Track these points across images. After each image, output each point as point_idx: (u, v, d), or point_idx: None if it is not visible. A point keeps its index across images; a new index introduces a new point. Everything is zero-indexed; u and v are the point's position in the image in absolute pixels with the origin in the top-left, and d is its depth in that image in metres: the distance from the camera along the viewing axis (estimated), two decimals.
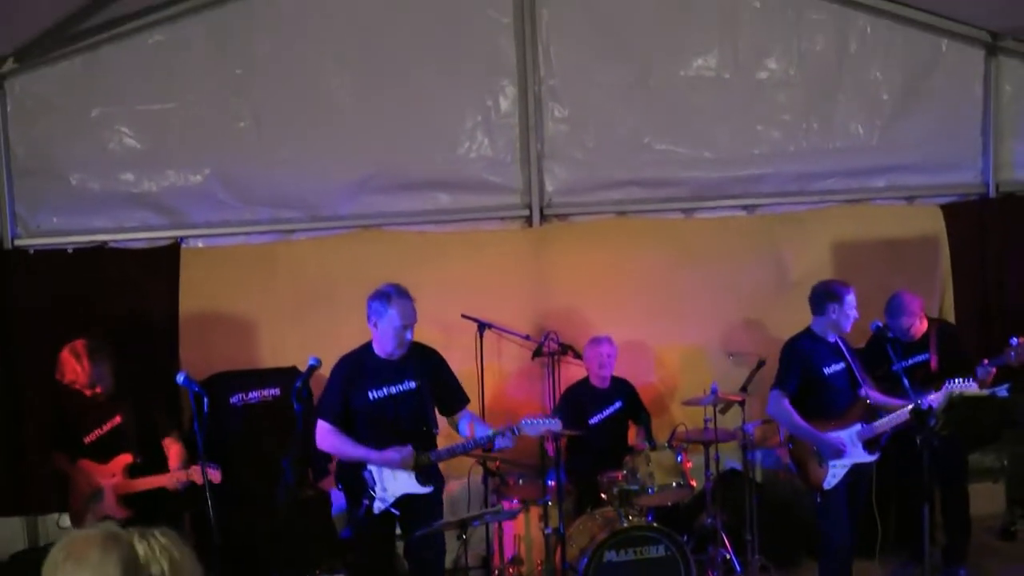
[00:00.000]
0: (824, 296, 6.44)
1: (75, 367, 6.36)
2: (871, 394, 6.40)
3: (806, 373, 6.38)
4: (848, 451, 6.23)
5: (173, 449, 6.42)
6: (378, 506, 5.66)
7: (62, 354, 6.46)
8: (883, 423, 6.28)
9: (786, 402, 6.35)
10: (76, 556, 2.41)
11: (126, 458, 6.33)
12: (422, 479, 5.70)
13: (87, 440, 6.44)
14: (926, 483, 5.79)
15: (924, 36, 8.39)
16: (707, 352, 8.19)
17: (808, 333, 6.51)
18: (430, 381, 5.82)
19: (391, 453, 5.60)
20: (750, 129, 8.31)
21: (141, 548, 2.46)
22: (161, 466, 6.36)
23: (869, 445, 6.31)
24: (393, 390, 5.72)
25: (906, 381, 6.12)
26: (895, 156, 8.45)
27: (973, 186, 8.64)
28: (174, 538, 2.62)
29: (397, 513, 5.68)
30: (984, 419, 7.06)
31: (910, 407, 6.02)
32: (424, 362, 5.85)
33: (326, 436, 5.74)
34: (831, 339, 6.44)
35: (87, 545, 2.42)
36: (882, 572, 7.23)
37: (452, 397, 5.97)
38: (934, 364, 7.16)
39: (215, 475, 5.92)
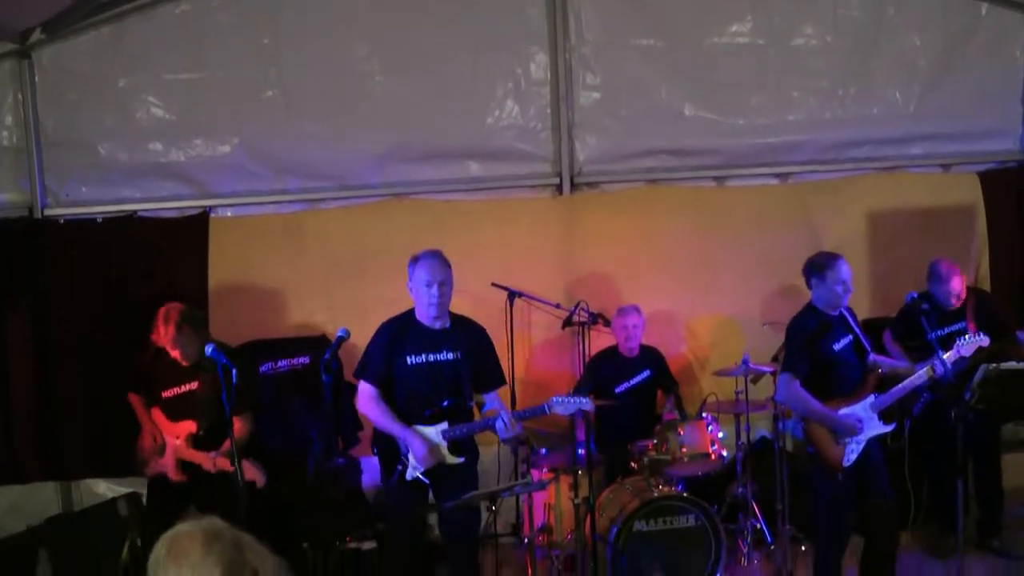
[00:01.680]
0: (808, 270, 6.20)
1: (160, 328, 6.49)
2: (877, 359, 6.29)
3: (816, 353, 6.11)
4: (864, 426, 6.09)
5: (235, 428, 6.39)
6: (411, 472, 5.64)
7: (158, 313, 6.58)
8: (897, 391, 6.11)
9: (797, 385, 6.05)
10: (177, 553, 2.39)
11: (191, 426, 6.44)
12: (453, 450, 5.67)
13: (164, 395, 6.55)
14: (961, 456, 5.69)
15: (963, 1, 8.21)
16: (738, 322, 8.12)
17: (810, 309, 6.24)
18: (471, 355, 5.78)
19: (418, 445, 5.59)
20: (785, 96, 8.19)
21: (245, 545, 2.44)
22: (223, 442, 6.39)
23: (884, 416, 6.18)
24: (431, 358, 5.70)
25: (940, 353, 6.01)
26: (932, 123, 8.30)
27: (1011, 154, 8.48)
28: (261, 546, 2.62)
29: (427, 481, 5.65)
30: (1020, 391, 6.95)
31: (923, 372, 5.94)
32: (468, 336, 5.82)
33: (367, 400, 5.73)
34: (836, 312, 6.19)
35: (189, 541, 2.40)
36: (916, 544, 7.15)
37: (489, 375, 5.93)
38: (972, 331, 7.06)
39: (256, 475, 6.11)
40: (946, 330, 7.04)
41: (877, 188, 8.28)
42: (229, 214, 7.95)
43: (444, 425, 5.65)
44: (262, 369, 7.34)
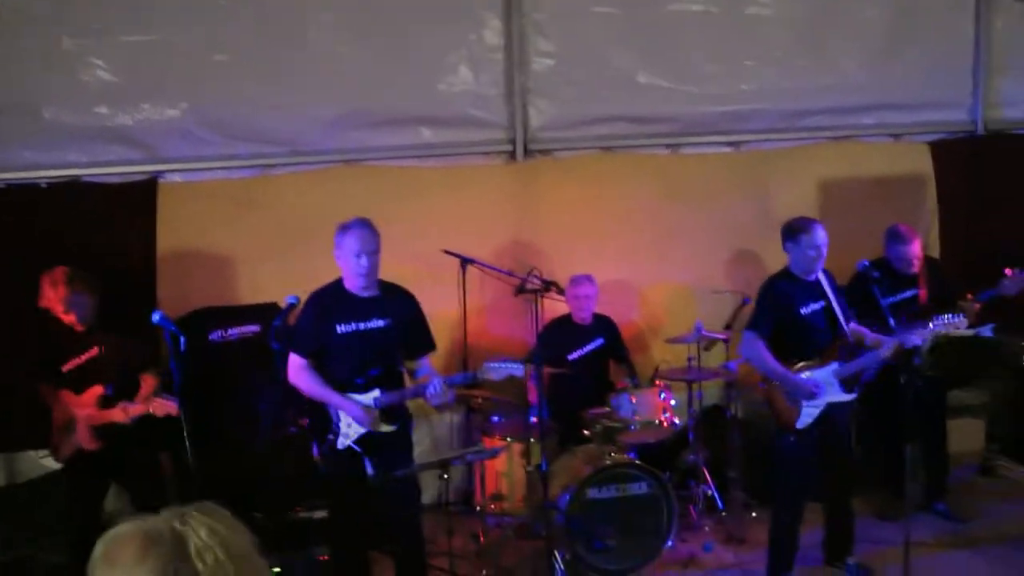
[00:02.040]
0: (784, 234, 6.28)
1: (50, 293, 6.30)
2: (859, 329, 6.32)
3: (782, 314, 6.20)
4: (822, 392, 6.13)
5: (147, 383, 6.35)
6: (341, 442, 5.61)
7: (42, 280, 6.39)
8: (861, 362, 6.19)
9: (760, 344, 6.17)
10: (110, 557, 2.28)
11: (98, 389, 6.24)
12: (385, 417, 5.64)
13: (65, 369, 6.35)
14: (909, 422, 5.75)
15: None
16: (691, 289, 8.16)
17: (785, 272, 6.34)
18: (401, 322, 5.72)
19: (352, 407, 5.56)
20: (739, 65, 8.20)
21: (189, 538, 2.36)
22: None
23: (847, 384, 6.23)
24: (361, 326, 5.64)
25: (892, 320, 6.07)
26: (885, 94, 8.37)
27: (962, 124, 8.58)
28: (213, 510, 2.53)
29: (359, 450, 5.62)
30: (968, 358, 7.04)
31: (891, 345, 5.97)
32: (397, 302, 5.76)
33: (298, 372, 5.67)
34: (811, 277, 6.25)
35: (123, 546, 2.28)
36: (864, 508, 7.23)
37: (420, 342, 5.87)
38: (923, 297, 7.14)
39: (171, 406, 5.87)
40: (899, 296, 7.11)
41: (829, 157, 8.36)
42: (178, 179, 7.80)
43: (376, 392, 5.61)
44: (212, 337, 7.26)
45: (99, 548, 2.29)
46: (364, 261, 5.52)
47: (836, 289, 6.30)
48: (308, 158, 7.93)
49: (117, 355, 6.37)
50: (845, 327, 6.25)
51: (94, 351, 6.35)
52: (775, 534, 6.40)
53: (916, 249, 7.22)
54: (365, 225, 5.60)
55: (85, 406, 6.24)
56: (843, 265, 6.56)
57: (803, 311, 6.20)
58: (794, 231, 6.21)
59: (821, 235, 6.14)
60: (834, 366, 6.17)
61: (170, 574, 2.26)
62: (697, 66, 8.16)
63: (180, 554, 2.29)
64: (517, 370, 5.66)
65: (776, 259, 7.31)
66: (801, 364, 6.18)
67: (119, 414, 6.14)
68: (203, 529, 2.37)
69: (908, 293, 7.17)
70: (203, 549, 2.35)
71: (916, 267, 7.21)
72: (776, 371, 6.16)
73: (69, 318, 6.31)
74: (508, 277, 7.39)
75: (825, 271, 6.30)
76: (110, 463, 6.29)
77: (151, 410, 6.05)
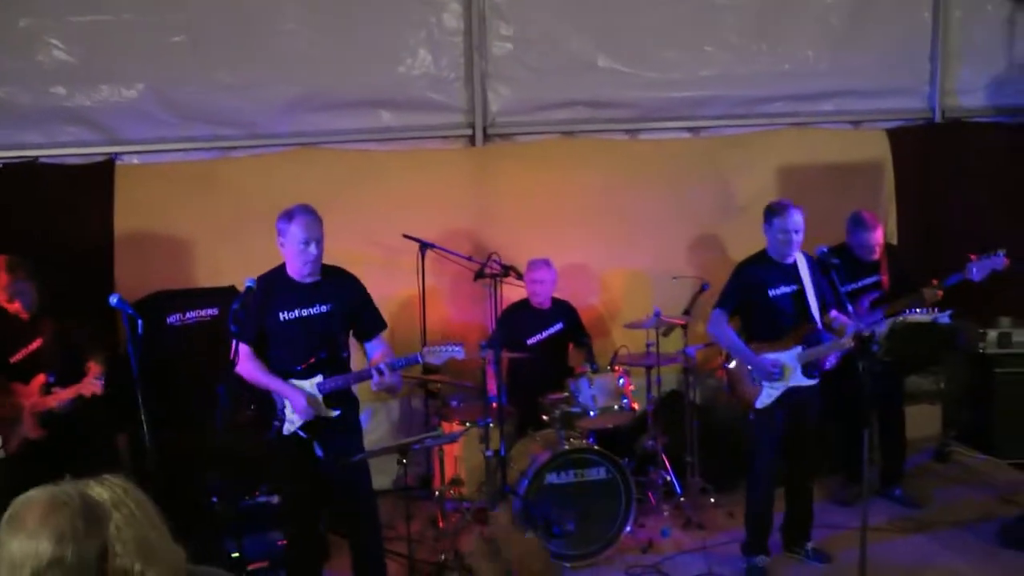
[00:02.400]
0: (764, 215, 6.39)
1: None
2: (838, 317, 6.36)
3: (749, 294, 6.34)
4: (779, 373, 6.22)
5: (92, 370, 6.29)
6: (287, 428, 5.59)
7: None
8: (823, 348, 6.27)
9: (724, 320, 6.35)
10: (13, 522, 2.30)
11: (41, 378, 6.17)
12: (329, 402, 5.63)
13: (13, 360, 6.26)
14: (866, 408, 5.80)
15: None
16: (650, 275, 8.18)
17: (760, 253, 6.43)
18: (344, 305, 5.69)
19: (293, 393, 5.55)
20: (698, 51, 8.23)
21: (101, 517, 2.36)
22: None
23: (808, 369, 6.31)
24: (304, 312, 5.60)
25: (850, 307, 6.13)
26: (843, 81, 8.44)
27: (920, 111, 8.67)
28: (126, 482, 2.53)
29: (305, 436, 5.61)
30: (925, 345, 7.11)
31: (851, 332, 6.02)
32: (339, 286, 5.71)
33: (243, 360, 5.63)
34: (788, 260, 6.32)
35: (27, 510, 2.30)
36: (820, 493, 7.30)
37: (368, 323, 5.82)
38: (885, 283, 7.20)
39: (96, 386, 5.91)
40: (860, 283, 7.18)
41: (788, 143, 8.41)
42: (136, 161, 7.74)
43: (319, 378, 5.59)
44: (170, 320, 7.19)
45: (7, 513, 2.31)
46: (312, 249, 5.48)
47: (817, 276, 6.35)
48: (267, 140, 7.88)
49: (62, 342, 6.30)
50: (815, 313, 6.31)
51: (39, 340, 6.28)
52: (746, 512, 6.57)
53: (879, 236, 7.25)
54: (309, 212, 5.54)
55: (31, 395, 6.19)
56: (801, 251, 6.61)
57: (771, 293, 6.30)
58: (768, 214, 6.32)
59: (794, 220, 6.21)
60: (797, 350, 6.27)
61: (73, 535, 2.27)
62: (656, 51, 8.18)
63: (88, 516, 2.32)
64: (458, 352, 5.66)
65: (735, 244, 7.43)
66: (761, 345, 6.30)
67: (51, 401, 6.10)
68: (118, 488, 2.40)
69: (870, 279, 7.22)
70: (118, 502, 2.38)
71: (878, 254, 7.25)
72: (737, 348, 6.33)
73: (13, 307, 6.23)
74: (468, 262, 7.38)
75: (809, 257, 6.37)
76: (59, 451, 6.19)
77: (81, 392, 6.02)
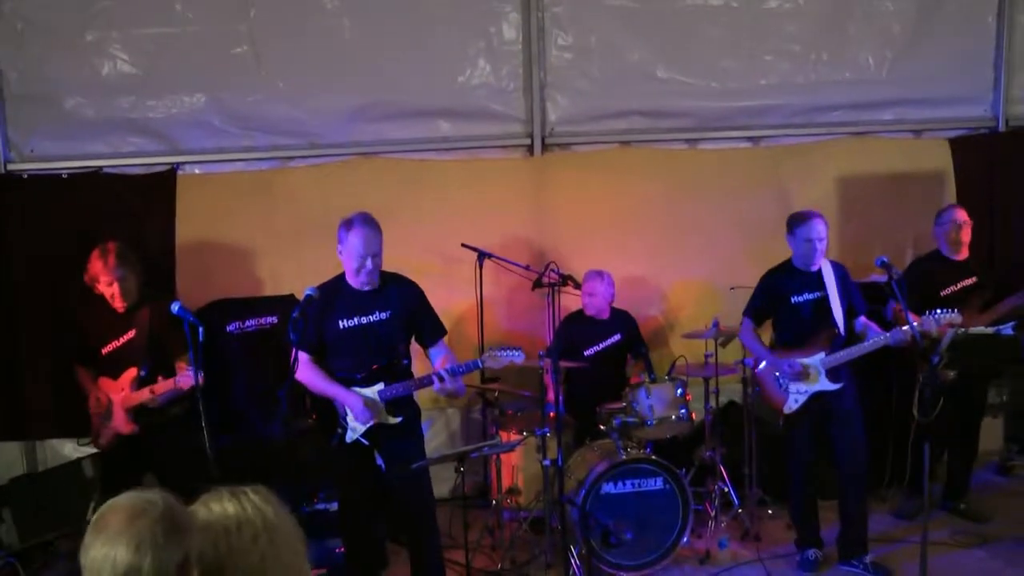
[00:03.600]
0: (786, 227, 6.52)
1: (99, 263, 6.19)
2: (868, 325, 6.40)
3: (772, 300, 6.56)
4: (799, 374, 6.35)
5: (181, 368, 6.27)
6: (350, 435, 5.63)
7: (93, 251, 6.29)
8: (845, 354, 6.30)
9: (750, 327, 6.64)
10: (97, 526, 2.32)
11: (132, 371, 6.21)
12: (391, 410, 5.65)
13: (104, 351, 6.32)
14: (928, 420, 5.73)
15: None
16: (709, 284, 8.11)
17: (785, 263, 6.59)
18: (404, 312, 5.72)
19: (355, 400, 5.58)
20: (757, 60, 8.17)
21: (184, 527, 2.35)
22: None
23: (833, 374, 6.33)
24: (363, 320, 5.63)
25: (909, 316, 6.05)
26: (904, 89, 8.32)
27: (982, 120, 8.52)
28: (268, 497, 2.53)
29: (366, 443, 5.63)
30: (988, 357, 7.00)
31: (876, 338, 6.19)
32: (399, 293, 5.73)
33: (303, 368, 5.67)
34: (812, 268, 6.43)
35: (111, 514, 2.32)
36: (881, 506, 7.23)
37: (428, 329, 5.85)
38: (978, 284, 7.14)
39: (189, 377, 5.78)
40: (959, 285, 7.12)
41: (848, 153, 8.31)
42: (197, 171, 7.85)
43: (380, 386, 5.62)
44: (229, 328, 7.26)
45: (94, 517, 2.32)
46: (368, 264, 5.51)
47: (843, 283, 6.41)
48: (326, 150, 7.95)
49: (153, 337, 6.27)
50: (839, 320, 6.35)
51: (131, 333, 6.30)
52: (791, 514, 6.85)
53: (959, 230, 7.17)
54: (368, 224, 5.55)
55: (120, 390, 6.24)
56: (861, 261, 6.59)
57: (794, 299, 6.46)
58: (791, 223, 6.49)
59: (816, 229, 6.34)
60: (820, 355, 6.36)
61: (152, 543, 2.27)
62: (715, 60, 8.13)
63: (169, 525, 2.31)
64: (518, 357, 5.66)
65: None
66: (786, 351, 6.48)
67: (147, 394, 6.10)
68: (250, 505, 2.41)
69: (968, 281, 7.14)
70: (243, 520, 2.38)
71: (964, 250, 7.17)
72: (759, 351, 6.62)
73: (112, 290, 6.21)
74: (525, 271, 7.39)
75: (837, 265, 6.46)
76: (152, 448, 6.25)
77: (180, 385, 5.98)
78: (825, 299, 6.38)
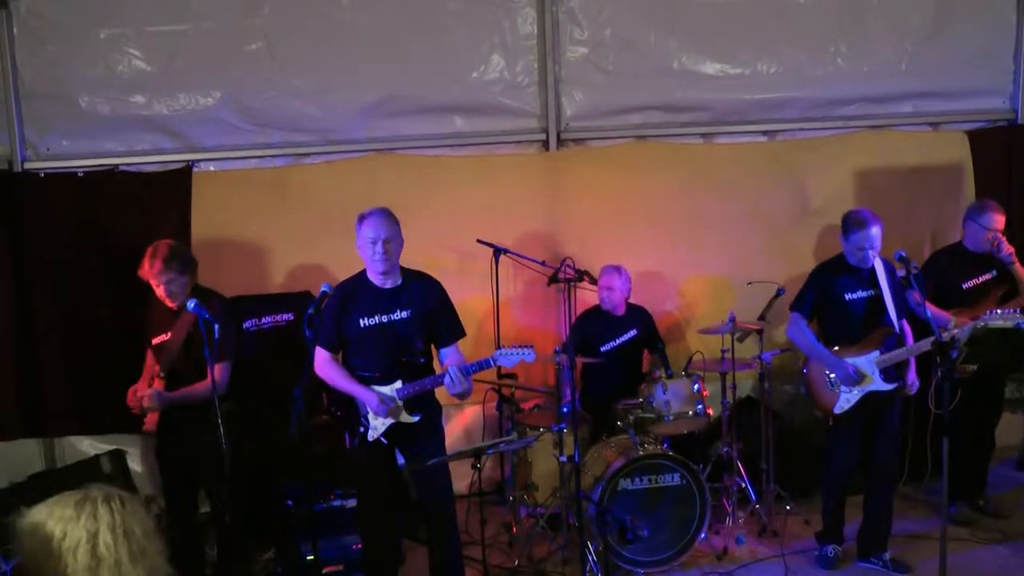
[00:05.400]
0: (841, 224, 6.37)
1: (146, 264, 6.12)
2: (904, 329, 6.34)
3: (824, 297, 6.38)
4: (859, 376, 6.22)
5: (200, 385, 6.18)
6: (371, 434, 5.62)
7: (147, 249, 6.19)
8: (901, 352, 6.22)
9: (803, 323, 6.42)
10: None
11: (155, 368, 6.22)
12: (409, 408, 5.64)
13: (154, 341, 6.31)
14: (947, 414, 5.69)
15: None
16: (725, 279, 8.10)
17: (838, 257, 6.45)
18: (424, 310, 5.70)
19: (373, 398, 5.57)
20: (774, 52, 8.12)
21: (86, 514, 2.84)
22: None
23: (887, 373, 6.25)
24: (384, 319, 5.63)
25: (930, 311, 5.99)
26: (923, 81, 8.26)
27: (1001, 112, 8.46)
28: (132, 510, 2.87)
29: (385, 442, 5.63)
30: (1008, 350, 6.95)
31: (929, 340, 5.92)
32: (421, 291, 5.72)
33: (322, 364, 5.69)
34: (866, 265, 6.30)
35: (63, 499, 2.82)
36: (900, 502, 7.21)
37: (446, 330, 5.82)
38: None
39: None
40: (981, 278, 7.03)
41: (865, 146, 8.25)
42: (212, 168, 7.86)
43: (399, 384, 5.61)
44: (246, 325, 7.25)
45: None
46: (379, 248, 5.49)
47: (893, 281, 6.31)
48: (341, 146, 7.95)
49: (189, 343, 6.17)
50: (893, 317, 6.27)
51: (175, 331, 6.23)
52: (823, 509, 6.68)
53: (994, 219, 7.01)
54: (381, 213, 5.58)
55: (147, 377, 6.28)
56: (880, 256, 6.51)
57: (847, 296, 6.32)
58: (845, 227, 6.31)
59: (872, 237, 6.17)
60: (875, 354, 6.26)
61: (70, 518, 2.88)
62: (731, 54, 8.09)
63: (81, 506, 2.91)
64: (528, 355, 5.62)
65: (811, 249, 7.34)
66: (838, 349, 6.33)
67: (149, 396, 6.09)
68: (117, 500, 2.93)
69: (987, 275, 7.04)
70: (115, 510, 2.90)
71: (1000, 239, 7.01)
72: (817, 350, 6.37)
73: (159, 292, 6.15)
74: (541, 267, 7.38)
75: (886, 261, 6.34)
76: (187, 452, 6.20)
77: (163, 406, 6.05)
78: (879, 296, 6.29)
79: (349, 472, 6.18)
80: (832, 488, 6.58)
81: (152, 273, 6.10)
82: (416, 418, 5.65)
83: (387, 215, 5.59)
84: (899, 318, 6.32)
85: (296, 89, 7.76)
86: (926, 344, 6.01)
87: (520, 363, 5.68)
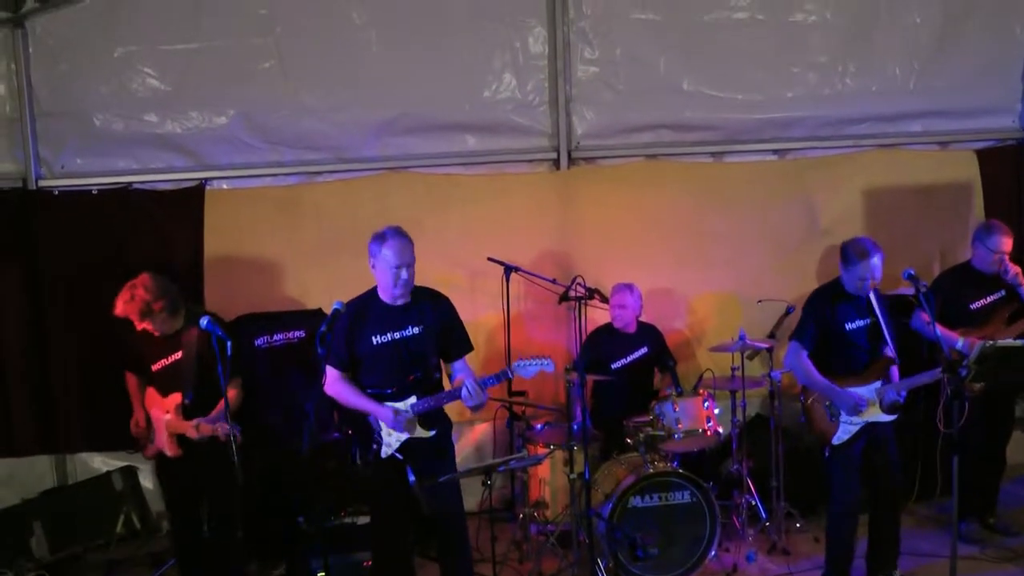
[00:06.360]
0: (840, 253, 6.22)
1: (125, 307, 6.07)
2: (937, 332, 6.21)
3: (825, 327, 6.20)
4: (864, 407, 6.12)
5: (229, 395, 6.17)
6: (384, 451, 5.63)
7: (122, 289, 6.14)
8: (907, 382, 6.14)
9: (804, 355, 6.22)
10: None
11: (177, 397, 6.19)
12: (423, 423, 5.65)
13: (155, 368, 6.30)
14: (955, 433, 5.68)
15: None
16: (735, 298, 8.11)
17: (834, 285, 6.30)
18: (435, 326, 5.70)
19: (387, 413, 5.59)
20: (784, 72, 8.15)
21: None
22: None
23: (889, 406, 6.20)
24: (396, 336, 5.62)
25: (939, 331, 5.98)
26: (932, 100, 8.28)
27: (1010, 131, 8.47)
28: None
29: (400, 458, 5.63)
30: (1017, 369, 6.95)
31: (931, 373, 5.92)
32: (431, 308, 5.72)
33: (333, 383, 5.68)
34: (865, 294, 6.18)
35: None
36: (909, 520, 7.18)
37: (455, 345, 5.80)
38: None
39: (225, 429, 5.70)
40: (989, 298, 7.00)
41: (875, 165, 8.27)
42: (225, 186, 7.92)
43: (412, 399, 5.61)
44: (257, 342, 7.29)
45: None
46: (403, 274, 5.49)
47: (885, 308, 6.24)
48: (353, 165, 8.00)
49: (201, 361, 6.16)
50: (892, 347, 6.22)
51: (179, 354, 6.24)
52: (827, 543, 6.46)
53: (1003, 241, 6.95)
54: (401, 235, 5.55)
55: (166, 411, 6.22)
56: (888, 273, 6.49)
57: (848, 326, 6.19)
58: (846, 257, 6.15)
59: (875, 265, 6.02)
60: (876, 385, 6.16)
61: None
62: (741, 73, 8.12)
63: None
64: (548, 366, 5.61)
65: (821, 267, 7.35)
66: (841, 379, 6.19)
67: (191, 430, 6.08)
68: None
69: (997, 295, 7.01)
70: None
71: (1008, 262, 6.96)
72: (820, 383, 6.18)
73: (145, 327, 6.16)
74: (552, 285, 7.41)
75: (875, 290, 6.22)
76: (192, 473, 6.24)
77: (215, 431, 5.96)
78: (876, 325, 6.19)
79: (361, 490, 6.19)
80: (842, 528, 6.32)
81: (135, 315, 6.09)
82: (431, 433, 5.66)
83: (408, 240, 5.56)
84: (895, 346, 6.26)
85: (308, 107, 7.82)
86: (928, 377, 5.98)
87: (530, 380, 5.69)
